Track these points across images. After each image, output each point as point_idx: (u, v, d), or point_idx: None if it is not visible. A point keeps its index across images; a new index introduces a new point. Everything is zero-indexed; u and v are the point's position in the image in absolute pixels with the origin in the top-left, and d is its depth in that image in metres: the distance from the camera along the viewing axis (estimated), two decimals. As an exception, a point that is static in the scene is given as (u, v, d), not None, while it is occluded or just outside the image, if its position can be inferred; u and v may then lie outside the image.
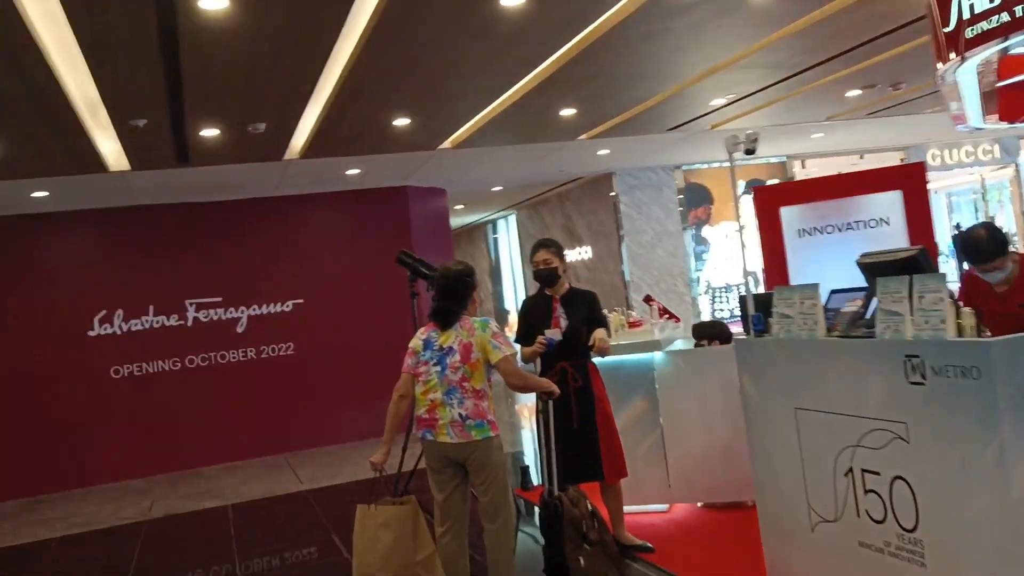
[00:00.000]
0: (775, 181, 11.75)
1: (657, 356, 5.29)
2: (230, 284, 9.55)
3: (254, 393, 9.54)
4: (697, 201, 11.78)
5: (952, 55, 4.10)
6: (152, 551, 6.17)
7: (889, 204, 6.09)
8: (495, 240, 17.00)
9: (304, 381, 9.71)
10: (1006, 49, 4.04)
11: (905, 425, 3.00)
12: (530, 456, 7.95)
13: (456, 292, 3.89)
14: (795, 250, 6.20)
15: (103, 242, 9.27)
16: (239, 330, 9.58)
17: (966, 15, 3.89)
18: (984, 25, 3.79)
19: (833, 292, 3.67)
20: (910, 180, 6.21)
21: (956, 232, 12.59)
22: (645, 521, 5.14)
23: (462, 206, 13.56)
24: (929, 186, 6.62)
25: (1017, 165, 13.18)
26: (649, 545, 4.63)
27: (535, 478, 6.55)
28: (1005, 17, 3.77)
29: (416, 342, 3.92)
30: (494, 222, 16.64)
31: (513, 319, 15.48)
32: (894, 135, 11.44)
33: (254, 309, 9.65)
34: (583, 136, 8.56)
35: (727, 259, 11.83)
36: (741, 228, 7.02)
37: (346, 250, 10.05)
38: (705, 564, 4.39)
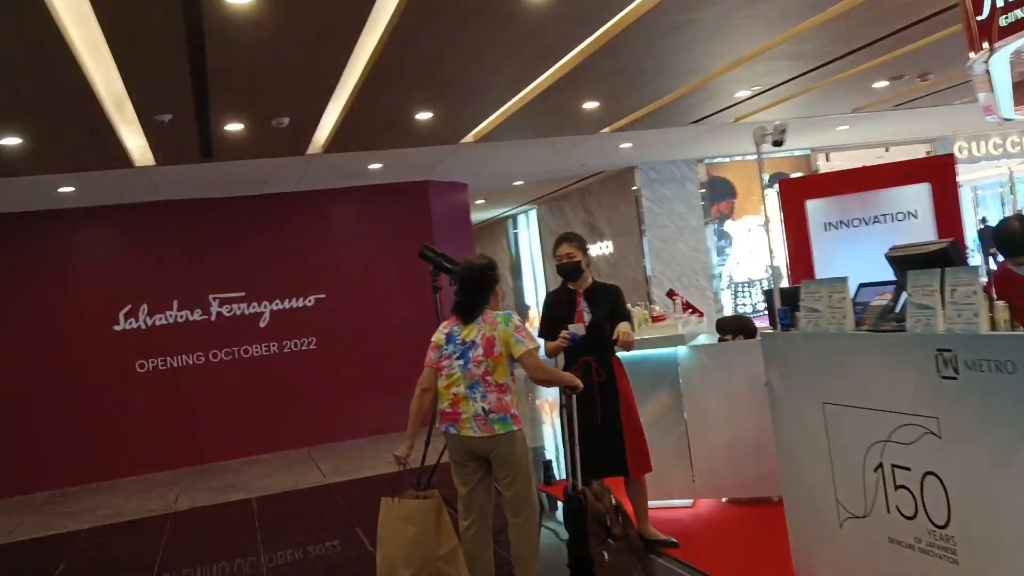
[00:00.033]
0: (799, 174, 11.64)
1: (681, 351, 5.25)
2: (253, 279, 9.61)
3: (276, 387, 9.61)
4: (720, 195, 11.70)
5: (984, 44, 4.02)
6: (178, 543, 6.23)
7: (917, 197, 5.99)
8: (515, 235, 16.98)
9: (326, 375, 9.76)
10: (1041, 38, 3.95)
11: (937, 420, 2.96)
12: (551, 451, 7.94)
13: (479, 286, 3.88)
14: (821, 244, 6.12)
15: (128, 237, 9.36)
16: (262, 325, 9.64)
17: (1000, 3, 3.81)
18: (1019, 12, 3.70)
19: (861, 286, 3.63)
20: (939, 173, 6.11)
21: (982, 226, 12.40)
22: (669, 516, 5.11)
23: (483, 201, 13.55)
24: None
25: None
26: (674, 540, 4.60)
27: (557, 473, 6.54)
28: (1041, 5, 3.69)
29: (439, 336, 3.91)
30: (514, 217, 16.62)
31: (533, 314, 15.46)
32: (920, 127, 11.29)
33: (276, 304, 9.71)
34: (606, 129, 8.51)
35: (750, 254, 11.74)
36: (767, 221, 6.93)
37: (367, 245, 10.08)
38: (731, 560, 4.35)
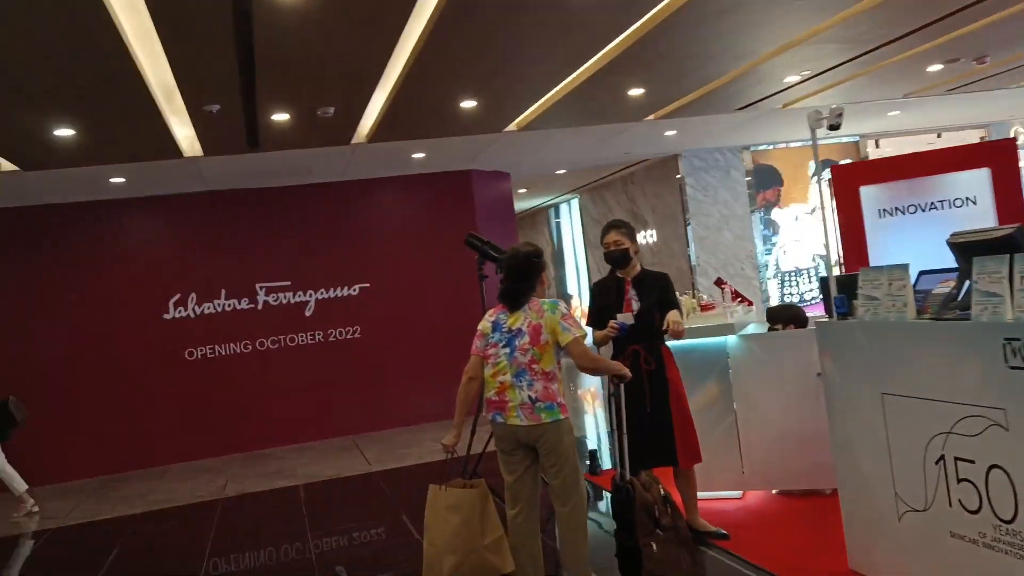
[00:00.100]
0: (847, 161, 11.39)
1: (730, 340, 5.17)
2: (298, 268, 9.71)
3: (322, 376, 9.70)
4: (766, 183, 11.50)
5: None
6: (228, 528, 6.32)
7: (976, 182, 5.81)
8: (557, 224, 16.90)
9: (370, 364, 9.83)
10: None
11: (1003, 411, 2.86)
12: (593, 441, 7.90)
13: (525, 273, 3.86)
14: (875, 231, 5.97)
15: (176, 227, 9.51)
16: (307, 313, 9.74)
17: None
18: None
19: (922, 273, 3.53)
20: (1000, 157, 5.92)
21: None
22: (718, 508, 5.04)
23: (525, 190, 13.51)
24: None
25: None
26: (724, 532, 4.54)
27: (603, 462, 6.50)
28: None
29: (485, 324, 3.89)
30: (556, 206, 16.54)
31: (576, 304, 15.39)
32: (975, 112, 10.95)
33: (322, 293, 9.80)
34: (650, 117, 8.40)
35: (796, 242, 11.53)
36: (820, 208, 6.79)
37: (411, 234, 10.11)
38: (782, 552, 4.26)
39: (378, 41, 5.24)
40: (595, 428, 8.78)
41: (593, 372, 3.95)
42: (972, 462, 3.02)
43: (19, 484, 7.27)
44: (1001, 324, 2.84)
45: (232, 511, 6.82)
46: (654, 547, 3.97)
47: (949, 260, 3.41)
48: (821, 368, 3.93)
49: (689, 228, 11.12)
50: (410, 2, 4.67)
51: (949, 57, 7.46)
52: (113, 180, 8.21)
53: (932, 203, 5.90)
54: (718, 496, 5.21)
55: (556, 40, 5.57)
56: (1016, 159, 6.01)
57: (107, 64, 4.98)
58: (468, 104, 6.98)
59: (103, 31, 4.45)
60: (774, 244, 11.48)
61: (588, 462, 6.42)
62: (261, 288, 9.61)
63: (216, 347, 9.45)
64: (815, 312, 4.64)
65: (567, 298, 16.39)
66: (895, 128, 11.45)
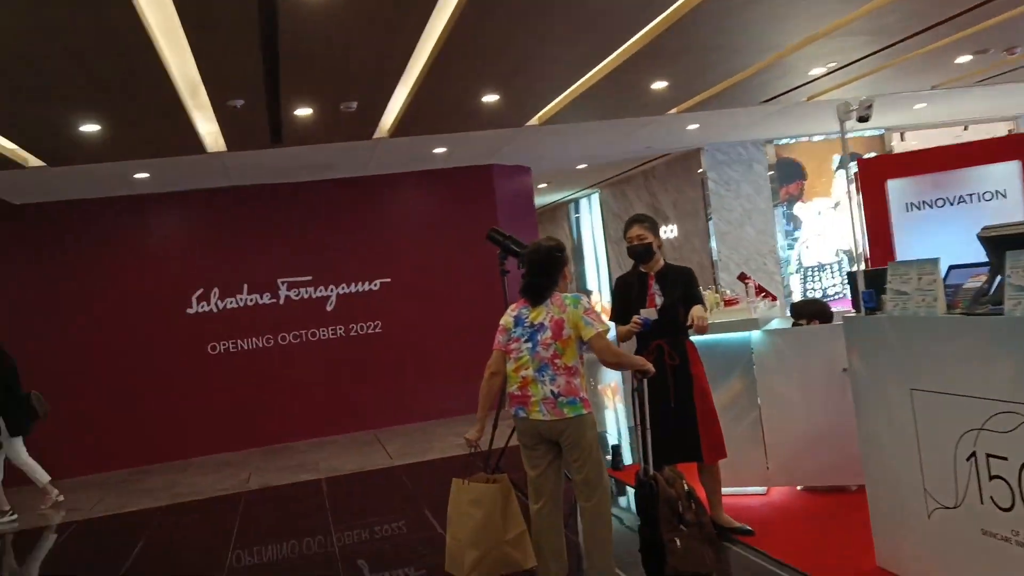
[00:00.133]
0: (872, 154, 11.26)
1: (755, 335, 5.12)
2: (320, 263, 9.75)
3: (343, 370, 9.74)
4: (789, 177, 11.39)
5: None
6: (252, 520, 6.37)
7: (1006, 175, 5.72)
8: (577, 219, 16.86)
9: (391, 359, 9.86)
10: None
11: (1038, 408, 2.81)
12: (614, 436, 7.87)
13: (547, 268, 3.83)
14: (902, 225, 5.90)
15: (199, 222, 9.58)
16: (329, 308, 9.78)
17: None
18: None
19: (952, 267, 3.47)
20: (1030, 150, 5.83)
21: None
22: (742, 504, 5.01)
23: (545, 185, 13.48)
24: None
25: None
26: (749, 528, 4.50)
27: (625, 458, 6.47)
28: None
29: (507, 319, 3.88)
30: (576, 201, 16.50)
31: (596, 299, 15.35)
32: (1003, 104, 10.78)
33: (343, 288, 9.83)
34: (673, 110, 8.35)
35: (819, 236, 11.42)
36: (848, 200, 6.71)
37: (432, 228, 10.12)
38: (808, 549, 4.22)
39: (401, 36, 5.23)
40: (616, 423, 8.76)
41: (616, 367, 3.93)
42: (1005, 459, 2.97)
43: (41, 475, 7.35)
44: (1035, 319, 2.79)
45: (255, 504, 6.87)
46: (678, 543, 3.95)
47: (976, 254, 3.36)
48: (848, 363, 3.89)
49: (711, 223, 11.04)
50: (433, -4, 4.66)
51: (978, 48, 7.34)
52: (137, 175, 8.27)
53: (961, 196, 5.81)
54: (743, 492, 5.17)
55: (578, 33, 5.54)
56: (1047, 152, 5.91)
57: (132, 59, 5.01)
58: (490, 99, 6.96)
59: (129, 26, 4.47)
60: (796, 239, 11.38)
61: (610, 457, 6.40)
62: (283, 283, 9.66)
63: (238, 341, 9.51)
64: (839, 307, 4.58)
65: (587, 293, 16.34)
66: (920, 121, 11.30)
